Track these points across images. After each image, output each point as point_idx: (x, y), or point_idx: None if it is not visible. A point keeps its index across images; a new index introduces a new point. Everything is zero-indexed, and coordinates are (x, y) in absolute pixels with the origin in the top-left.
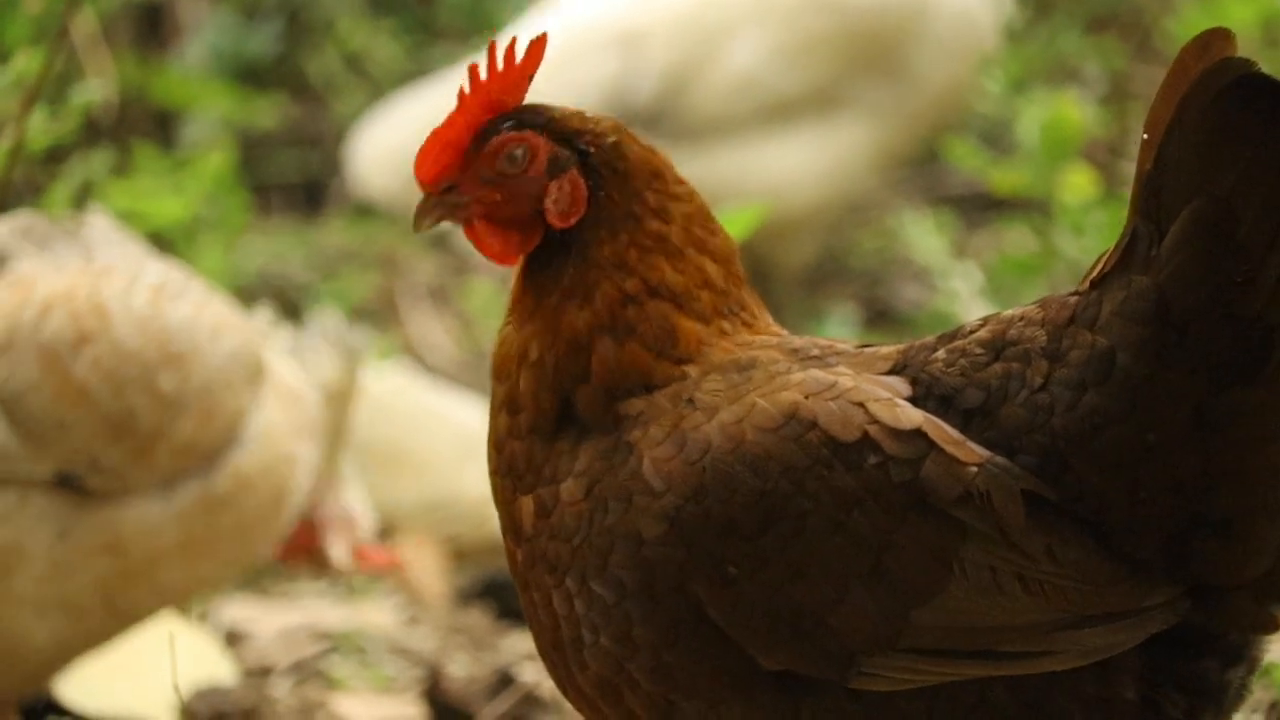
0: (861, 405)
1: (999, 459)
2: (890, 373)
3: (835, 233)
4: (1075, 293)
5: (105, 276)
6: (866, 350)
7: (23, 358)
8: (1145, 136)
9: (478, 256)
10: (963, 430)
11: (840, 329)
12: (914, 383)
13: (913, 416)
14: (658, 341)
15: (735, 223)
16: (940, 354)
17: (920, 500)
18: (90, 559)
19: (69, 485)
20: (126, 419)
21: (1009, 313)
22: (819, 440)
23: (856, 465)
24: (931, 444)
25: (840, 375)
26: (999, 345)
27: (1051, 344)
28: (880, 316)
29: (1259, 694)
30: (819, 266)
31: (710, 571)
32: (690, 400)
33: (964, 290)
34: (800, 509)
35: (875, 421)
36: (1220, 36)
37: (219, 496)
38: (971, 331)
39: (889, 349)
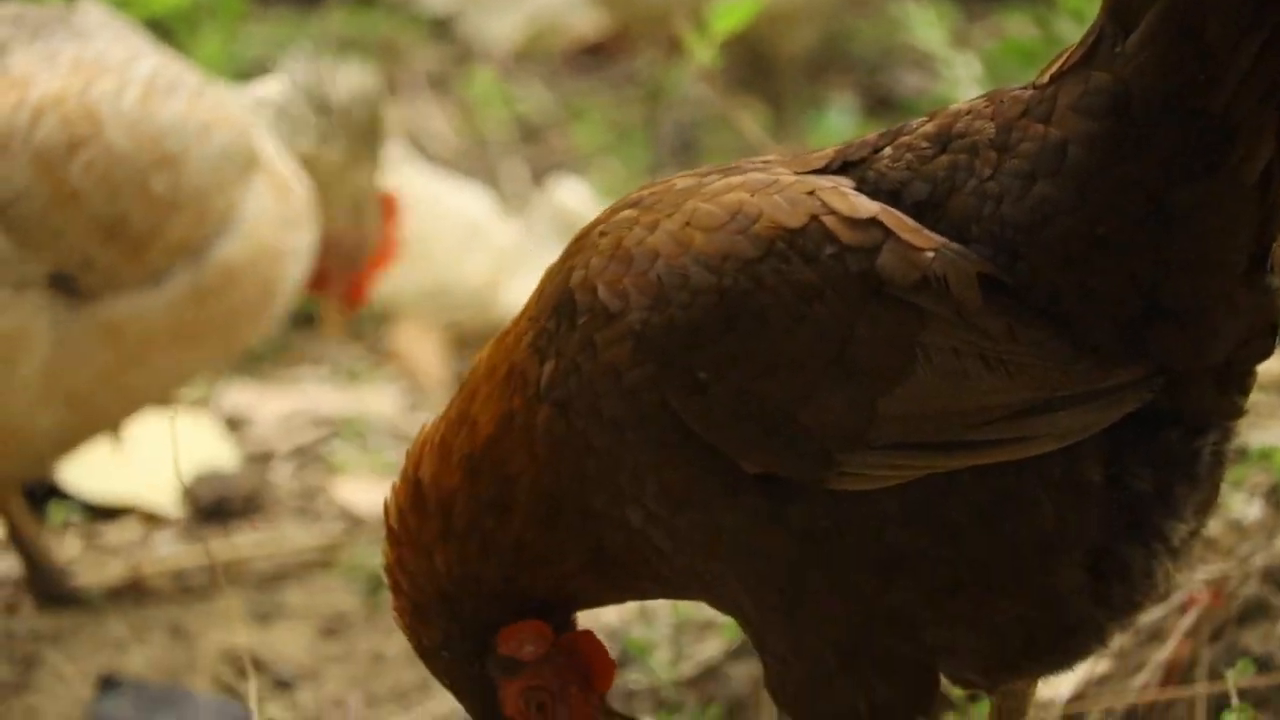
0: (811, 193)
1: (954, 245)
2: (829, 170)
3: (836, 20)
4: (1027, 87)
5: (96, 77)
6: (801, 154)
7: (16, 164)
8: None
9: (479, 43)
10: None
11: (841, 116)
12: (860, 181)
13: (868, 205)
14: None
15: (734, 11)
16: (886, 150)
17: (878, 289)
18: (88, 351)
19: (63, 286)
20: (119, 222)
21: (955, 107)
22: (769, 232)
23: (813, 256)
24: (887, 231)
25: (780, 174)
26: (945, 139)
27: (1000, 136)
28: (881, 104)
29: (1258, 477)
30: (820, 54)
31: (681, 380)
32: (623, 223)
33: (964, 76)
34: (760, 304)
35: (829, 210)
36: None
37: (208, 287)
38: (917, 127)
39: (826, 150)
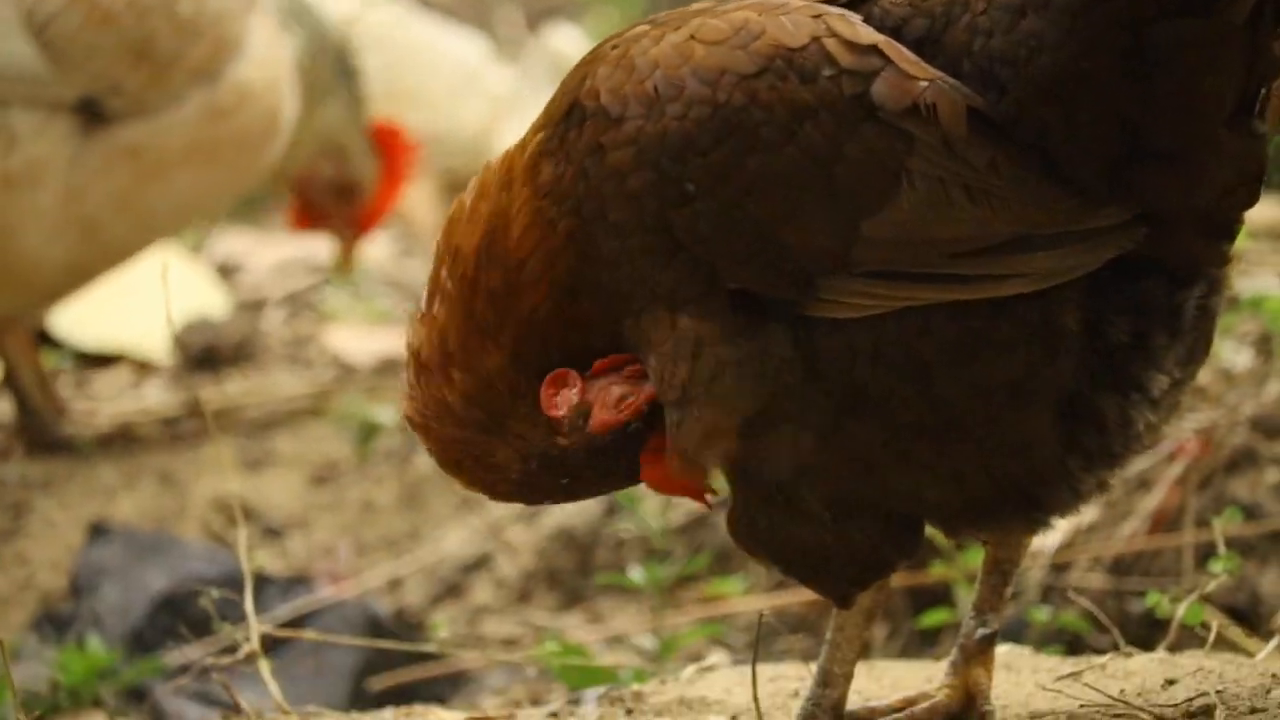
0: (818, 17)
1: (950, 79)
2: (837, 2)
3: None
4: None
5: None
6: None
7: None
8: None
9: None
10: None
11: None
12: (866, 17)
13: (871, 33)
14: None
15: None
16: None
17: (870, 112)
18: (107, 168)
19: (90, 109)
20: (147, 43)
21: None
22: (770, 50)
23: (810, 76)
24: (887, 60)
25: (794, 3)
26: None
27: None
28: None
29: (1247, 325)
30: None
31: (670, 190)
32: (633, 37)
33: None
34: (753, 119)
35: (832, 34)
36: None
37: (221, 106)
38: None
39: None
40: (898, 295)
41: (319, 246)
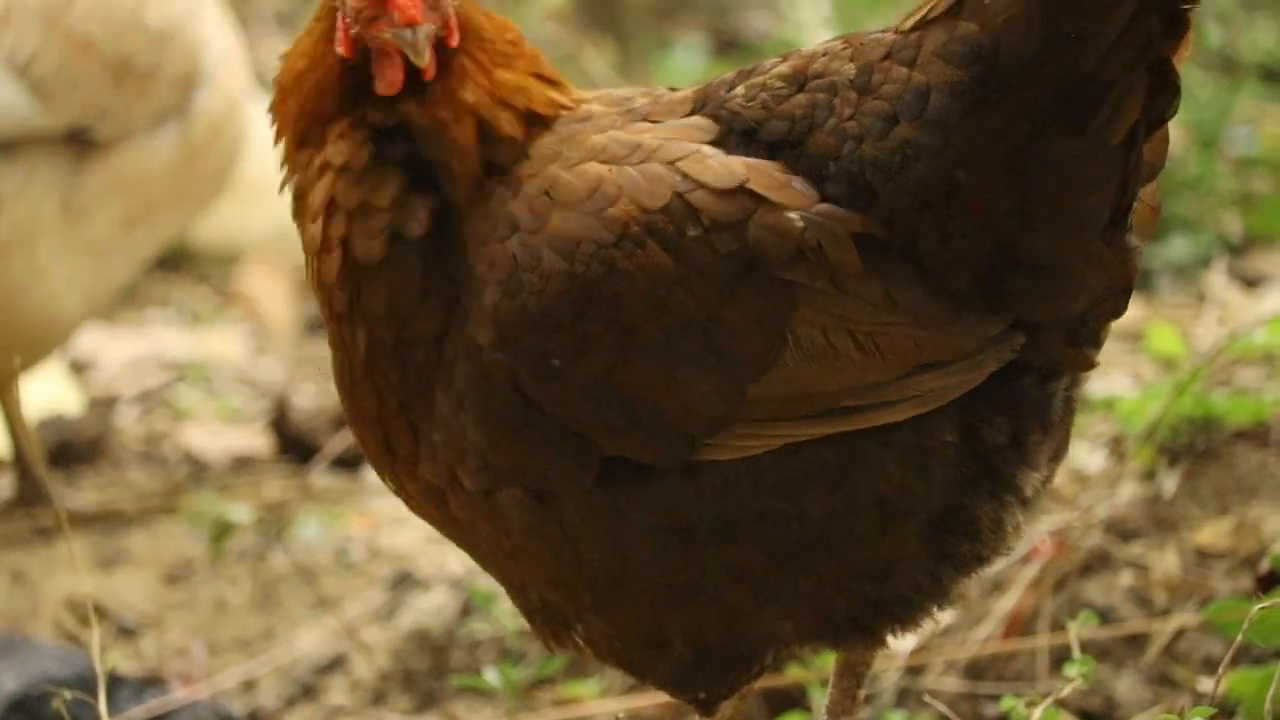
0: (672, 165)
1: (823, 205)
2: (691, 114)
3: None
4: (889, 30)
5: None
6: (667, 94)
7: (24, 24)
8: None
9: None
10: (770, 161)
11: (688, 57)
12: (715, 120)
13: (733, 169)
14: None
15: None
16: (739, 90)
17: (749, 269)
18: (105, 200)
19: (80, 139)
20: (127, 61)
21: (810, 49)
22: (624, 215)
23: (674, 240)
24: (757, 199)
25: (643, 134)
26: (802, 78)
27: (861, 77)
28: (728, 46)
29: (1101, 426)
30: None
31: (534, 366)
32: (505, 170)
33: (812, 19)
34: (614, 290)
35: (695, 184)
36: None
37: (195, 144)
38: (771, 67)
39: (688, 90)
40: (781, 435)
41: (172, 342)
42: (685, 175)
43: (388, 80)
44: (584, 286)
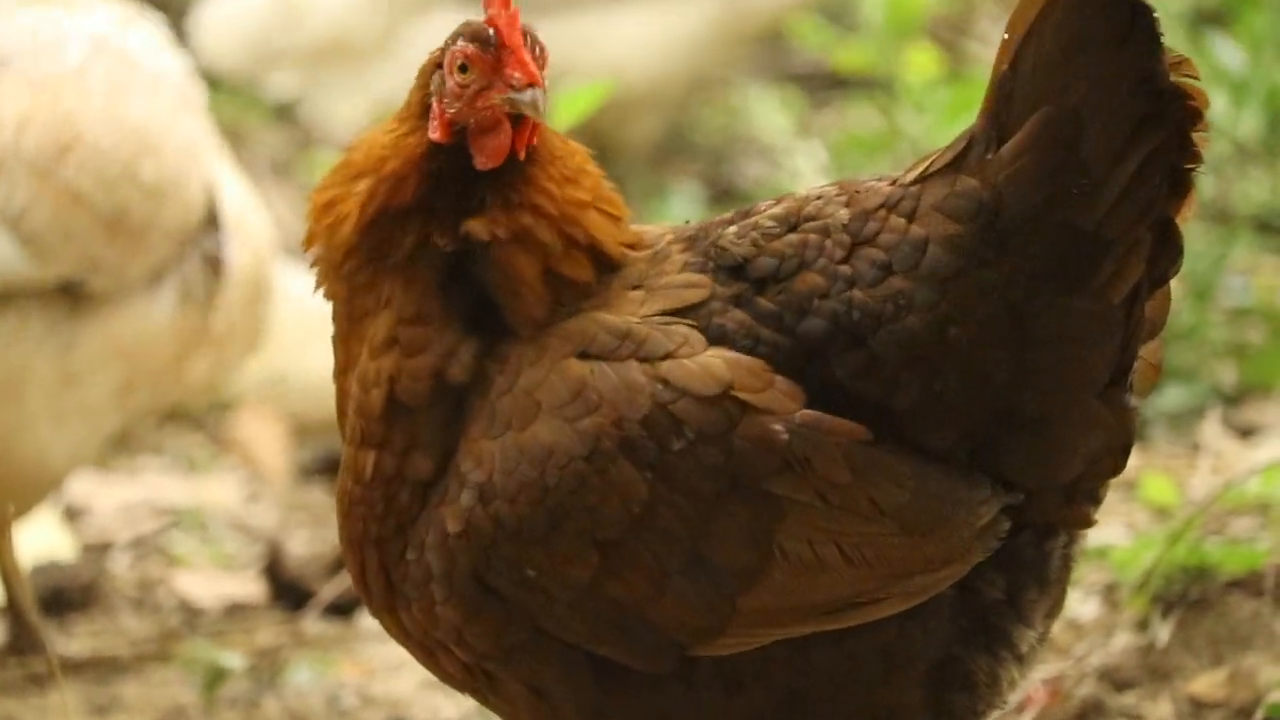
0: (654, 368)
1: (807, 413)
2: (685, 250)
3: (680, 109)
4: (883, 178)
5: (60, 85)
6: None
7: (15, 177)
8: (1006, 36)
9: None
10: (756, 295)
11: (683, 206)
12: (705, 256)
13: (715, 371)
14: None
15: (578, 100)
16: (732, 229)
17: (734, 482)
18: (102, 365)
19: (72, 291)
20: (120, 214)
21: (804, 192)
22: (598, 428)
23: (655, 454)
24: (741, 405)
25: (633, 314)
26: (794, 219)
27: (856, 223)
28: (724, 194)
29: (1094, 575)
30: (663, 143)
31: (509, 574)
32: (504, 357)
33: (807, 168)
34: (588, 503)
35: (677, 393)
36: None
37: (223, 303)
38: (765, 209)
39: (692, 227)
40: (773, 634)
41: (166, 488)
42: (667, 383)
43: (492, 151)
44: (557, 499)
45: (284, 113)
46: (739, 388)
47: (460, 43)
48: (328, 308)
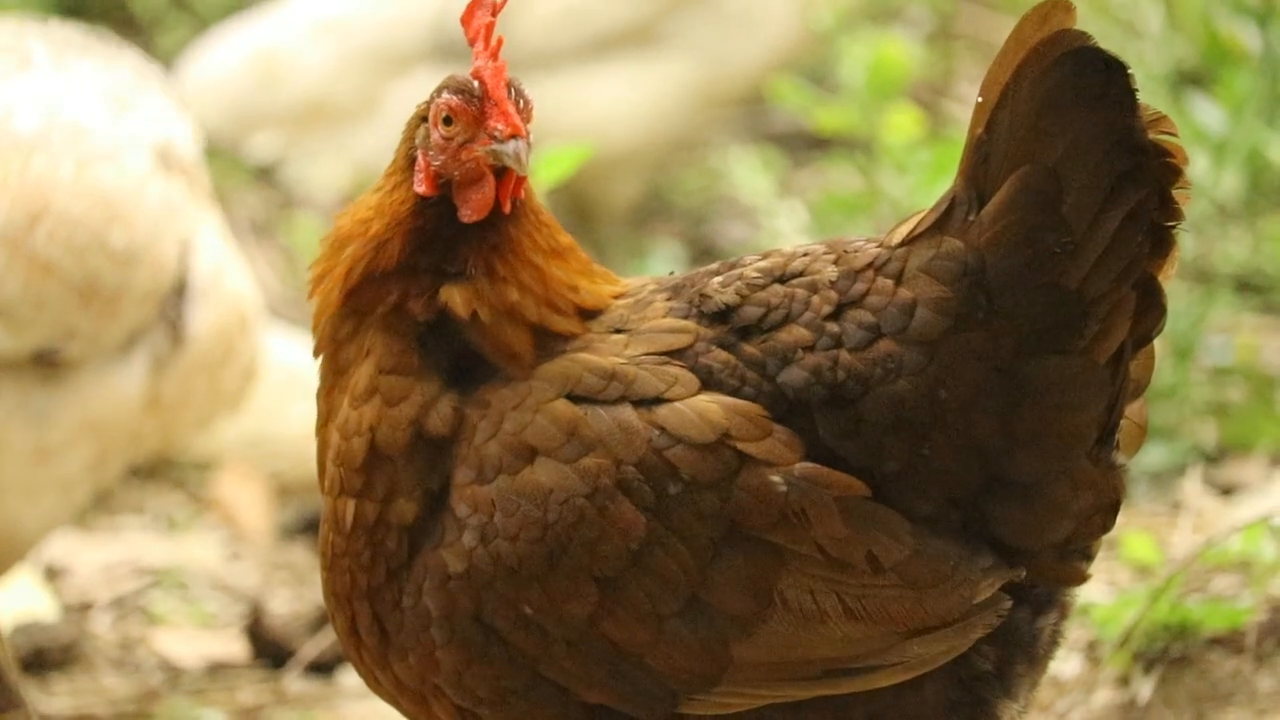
0: (649, 412)
1: (805, 465)
2: (670, 299)
3: (660, 170)
4: (871, 240)
5: (25, 155)
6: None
7: None
8: (979, 100)
9: (302, 190)
10: (741, 343)
11: (664, 267)
12: (689, 303)
13: (712, 418)
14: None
15: (558, 161)
16: (718, 279)
17: (732, 529)
18: (78, 441)
19: (46, 360)
20: (93, 282)
21: (790, 248)
22: (599, 467)
23: (652, 497)
24: (740, 455)
25: (619, 355)
26: (780, 273)
27: (844, 281)
28: (705, 255)
29: (1076, 632)
30: (643, 204)
31: (508, 612)
32: (485, 403)
33: (788, 228)
34: (586, 539)
35: (673, 440)
36: (1060, 8)
37: (184, 365)
38: (751, 262)
39: (677, 277)
40: (766, 697)
41: (146, 548)
42: (663, 429)
43: (476, 203)
44: (556, 535)
45: (265, 174)
46: (736, 436)
47: (445, 95)
48: (304, 368)
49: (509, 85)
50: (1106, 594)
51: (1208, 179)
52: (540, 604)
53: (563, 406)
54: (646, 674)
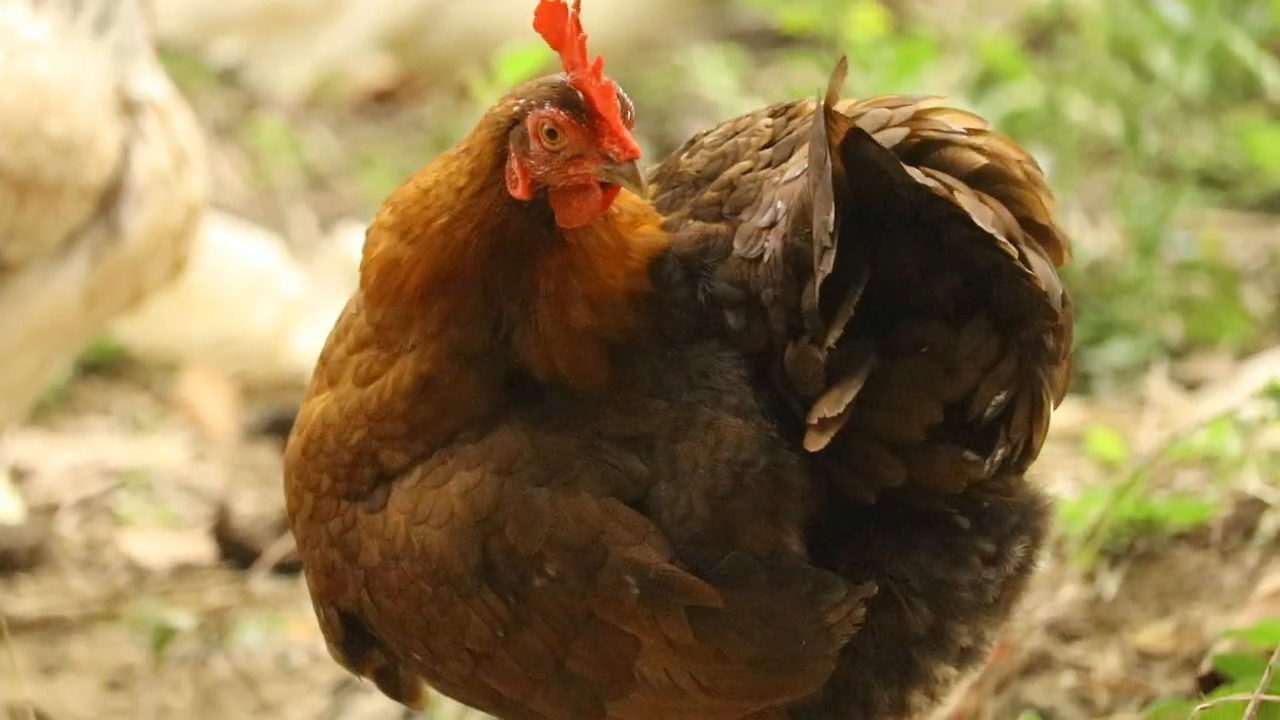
0: (550, 495)
1: (665, 567)
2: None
3: (624, 69)
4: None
5: None
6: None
7: None
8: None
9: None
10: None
11: None
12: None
13: (591, 521)
14: None
15: (521, 60)
16: (684, 155)
17: (590, 616)
18: (23, 348)
19: None
20: (32, 173)
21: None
22: (466, 550)
23: (518, 583)
24: (604, 553)
25: (572, 454)
26: (730, 132)
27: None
28: (669, 152)
29: None
30: None
31: (399, 651)
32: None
33: None
34: (456, 621)
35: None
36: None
37: (118, 264)
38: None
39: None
40: None
41: (112, 449)
42: (552, 516)
43: (579, 211)
44: (428, 615)
45: (227, 76)
46: (610, 539)
47: (548, 107)
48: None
49: (618, 97)
50: (1072, 490)
51: (1172, 74)
52: (424, 656)
53: (488, 480)
54: (532, 715)
